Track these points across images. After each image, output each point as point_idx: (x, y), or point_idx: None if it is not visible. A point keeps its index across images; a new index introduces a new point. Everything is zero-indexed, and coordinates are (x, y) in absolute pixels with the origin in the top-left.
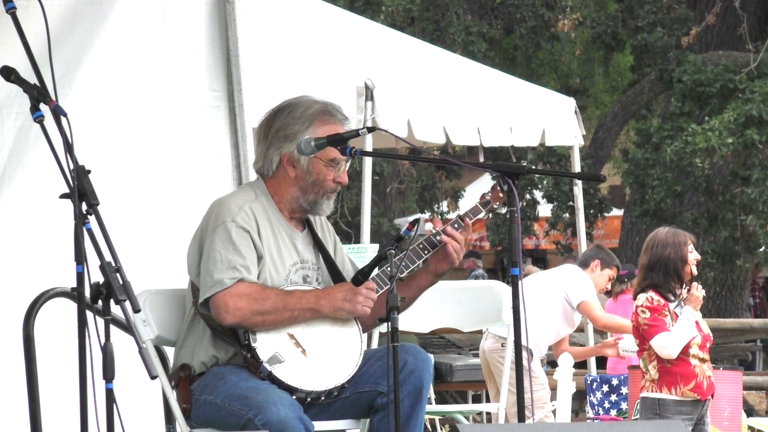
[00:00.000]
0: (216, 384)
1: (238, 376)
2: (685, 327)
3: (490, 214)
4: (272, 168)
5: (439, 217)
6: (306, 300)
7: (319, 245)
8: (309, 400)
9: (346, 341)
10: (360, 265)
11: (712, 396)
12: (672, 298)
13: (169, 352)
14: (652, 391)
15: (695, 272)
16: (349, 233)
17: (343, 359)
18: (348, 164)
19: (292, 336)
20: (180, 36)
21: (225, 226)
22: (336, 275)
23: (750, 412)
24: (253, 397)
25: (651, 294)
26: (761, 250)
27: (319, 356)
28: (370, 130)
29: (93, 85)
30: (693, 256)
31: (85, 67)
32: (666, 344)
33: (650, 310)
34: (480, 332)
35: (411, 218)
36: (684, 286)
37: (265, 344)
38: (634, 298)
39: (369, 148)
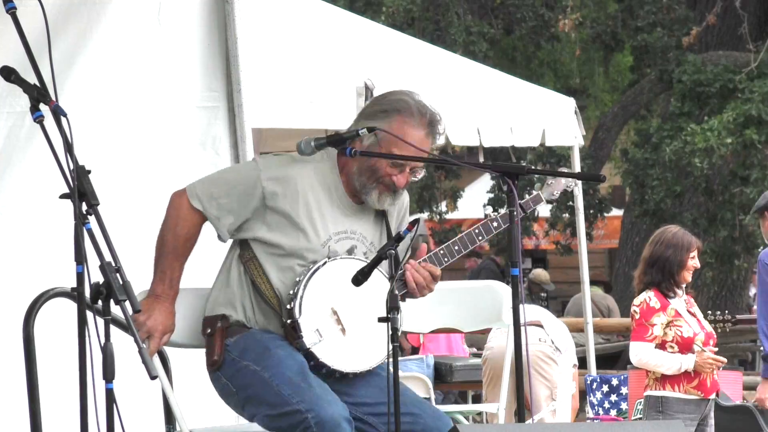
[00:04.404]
0: (261, 354)
1: (284, 350)
2: (668, 361)
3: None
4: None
5: (438, 217)
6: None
7: (388, 229)
8: (337, 375)
9: (384, 329)
10: None
11: (717, 395)
12: (672, 296)
13: (170, 351)
14: (655, 389)
15: (689, 279)
16: None
17: (378, 342)
18: (413, 173)
19: (335, 312)
20: (176, 36)
21: (254, 165)
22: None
23: None
24: (305, 389)
25: (650, 294)
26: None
27: (356, 337)
28: (370, 130)
29: (86, 86)
30: (692, 263)
31: (78, 68)
32: (639, 355)
33: (641, 313)
34: (479, 332)
35: (411, 218)
36: (680, 288)
37: (308, 318)
38: (638, 292)
39: None
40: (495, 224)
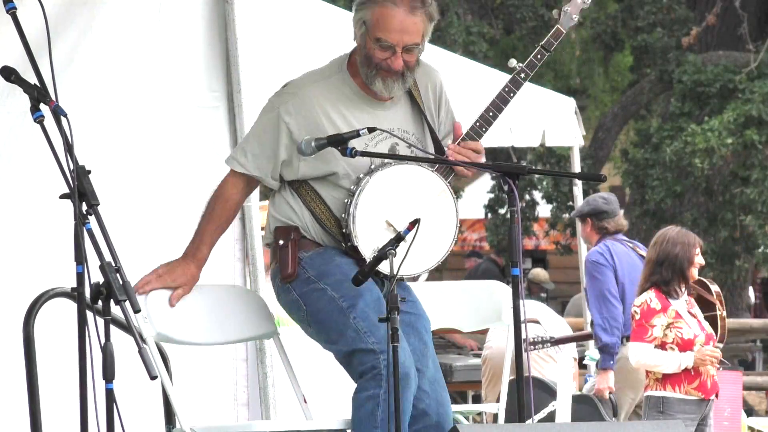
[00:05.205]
0: (341, 281)
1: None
2: (666, 360)
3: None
4: (353, 37)
5: None
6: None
7: (421, 112)
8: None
9: (441, 225)
10: None
11: (717, 396)
12: (675, 296)
13: (170, 350)
14: (656, 390)
15: (696, 276)
16: None
17: (436, 244)
18: (407, 52)
19: (390, 224)
20: (176, 37)
21: (269, 107)
22: (438, 147)
23: (750, 412)
24: (382, 328)
25: (651, 295)
26: (760, 250)
27: (414, 243)
28: (371, 130)
29: (86, 86)
30: (698, 259)
31: (77, 68)
32: (638, 356)
33: (641, 314)
34: (478, 332)
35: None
36: (686, 287)
37: (365, 238)
38: (640, 292)
39: None
40: (522, 75)
